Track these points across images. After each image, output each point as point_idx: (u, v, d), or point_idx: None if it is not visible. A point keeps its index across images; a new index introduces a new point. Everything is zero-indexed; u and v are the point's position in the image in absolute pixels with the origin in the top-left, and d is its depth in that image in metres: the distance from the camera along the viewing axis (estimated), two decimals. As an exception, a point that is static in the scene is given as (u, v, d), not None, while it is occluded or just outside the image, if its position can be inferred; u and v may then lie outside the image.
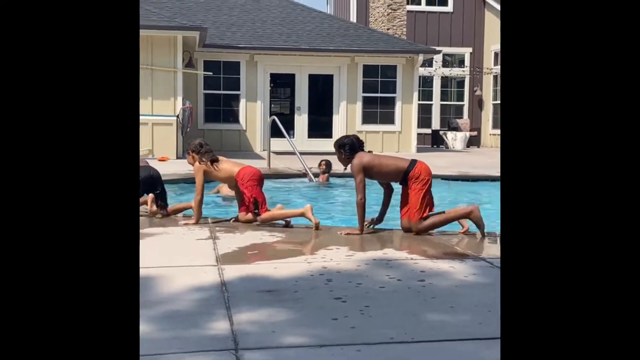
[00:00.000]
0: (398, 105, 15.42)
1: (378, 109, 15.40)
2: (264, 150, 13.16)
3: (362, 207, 4.72)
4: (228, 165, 5.37)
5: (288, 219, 5.17)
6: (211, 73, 14.27)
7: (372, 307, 2.92)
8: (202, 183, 5.27)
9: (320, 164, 9.28)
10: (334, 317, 2.76)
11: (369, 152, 5.01)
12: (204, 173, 5.28)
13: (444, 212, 4.88)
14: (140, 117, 11.94)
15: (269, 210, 5.21)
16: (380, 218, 4.99)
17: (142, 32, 11.91)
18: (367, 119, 15.34)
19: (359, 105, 15.30)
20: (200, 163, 5.28)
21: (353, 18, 19.50)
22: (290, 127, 14.47)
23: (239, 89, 14.82)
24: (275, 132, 11.02)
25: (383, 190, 5.03)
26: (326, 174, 9.19)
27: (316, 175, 9.30)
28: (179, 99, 12.35)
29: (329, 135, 15.03)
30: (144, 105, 12.17)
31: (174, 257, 4.01)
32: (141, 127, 11.88)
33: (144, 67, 12.09)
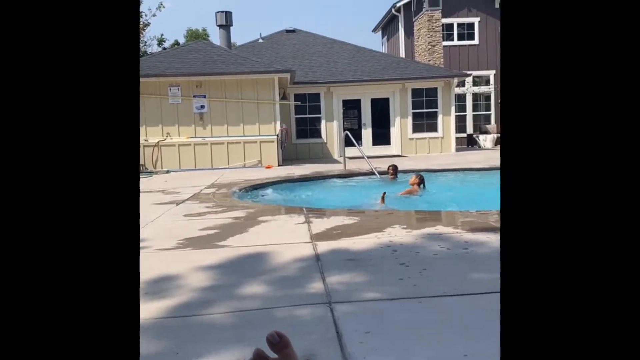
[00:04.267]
0: (440, 117, 15.04)
1: (424, 121, 15.07)
2: (340, 156, 13.17)
3: None
4: None
5: None
6: (299, 102, 14.46)
7: (428, 269, 2.89)
8: None
9: (389, 168, 9.07)
10: (400, 278, 2.75)
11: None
12: None
13: None
14: (251, 137, 12.29)
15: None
16: None
17: (250, 77, 12.25)
18: (417, 129, 15.06)
19: (409, 119, 15.04)
20: None
21: (402, 54, 19.21)
22: (358, 138, 14.38)
23: (320, 113, 14.91)
24: (348, 143, 11.04)
25: None
26: (394, 175, 9.01)
27: (383, 173, 9.18)
28: (278, 123, 12.56)
29: (388, 143, 14.94)
30: (254, 129, 12.49)
31: (282, 237, 4.08)
32: (252, 144, 12.25)
33: (253, 102, 12.39)
